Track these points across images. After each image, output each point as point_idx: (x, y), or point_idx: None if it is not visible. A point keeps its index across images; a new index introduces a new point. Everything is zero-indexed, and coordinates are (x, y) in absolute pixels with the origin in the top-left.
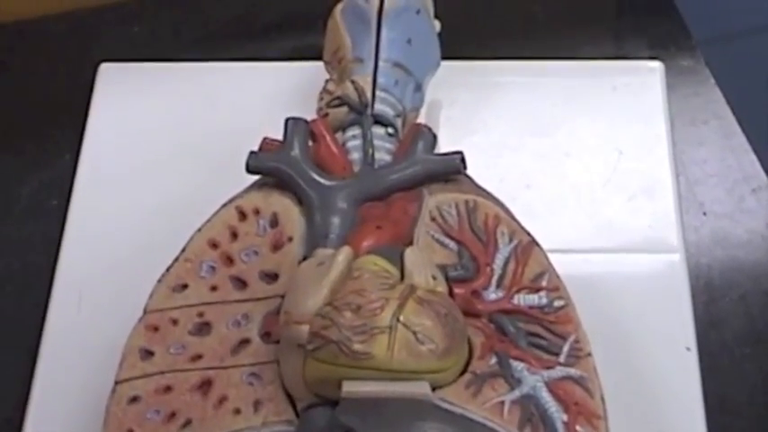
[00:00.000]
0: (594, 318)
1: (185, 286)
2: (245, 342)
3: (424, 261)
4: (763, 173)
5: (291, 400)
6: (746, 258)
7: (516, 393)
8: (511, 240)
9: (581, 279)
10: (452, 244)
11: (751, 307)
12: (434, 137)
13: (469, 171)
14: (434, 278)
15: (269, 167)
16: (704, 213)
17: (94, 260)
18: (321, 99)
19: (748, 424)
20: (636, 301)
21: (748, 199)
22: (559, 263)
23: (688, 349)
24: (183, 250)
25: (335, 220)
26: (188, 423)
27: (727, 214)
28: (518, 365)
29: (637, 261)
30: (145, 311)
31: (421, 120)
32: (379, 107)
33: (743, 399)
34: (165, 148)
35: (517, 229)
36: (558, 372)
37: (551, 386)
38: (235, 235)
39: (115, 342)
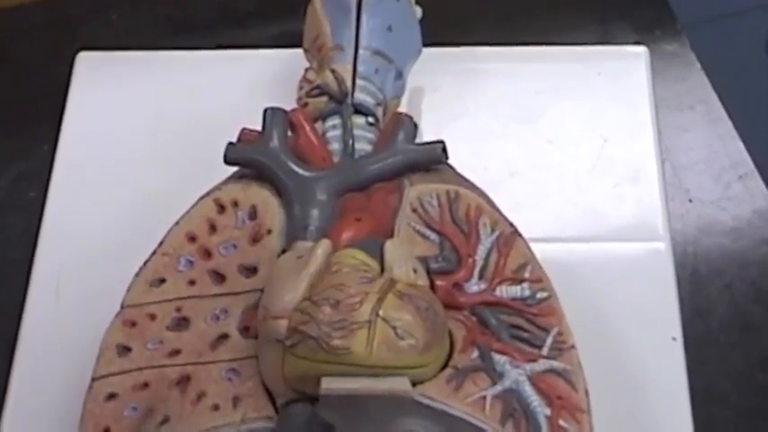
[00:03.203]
0: (578, 308)
1: (163, 280)
2: (223, 337)
3: (405, 254)
4: (749, 159)
5: (271, 396)
6: (733, 246)
7: (498, 388)
8: (493, 231)
9: (565, 268)
10: (434, 235)
11: (737, 295)
12: (415, 126)
13: (452, 159)
14: (415, 271)
15: (247, 159)
16: (690, 200)
17: (72, 253)
18: (301, 88)
19: (735, 413)
20: (621, 290)
21: (735, 186)
22: (543, 252)
23: (674, 339)
24: (161, 244)
25: (315, 212)
26: (166, 420)
27: (713, 201)
28: (500, 359)
29: (621, 249)
30: (122, 306)
31: (403, 107)
32: (360, 96)
33: (729, 388)
34: (144, 138)
35: (499, 219)
36: (541, 365)
37: (534, 380)
38: (213, 228)
39: (93, 336)
